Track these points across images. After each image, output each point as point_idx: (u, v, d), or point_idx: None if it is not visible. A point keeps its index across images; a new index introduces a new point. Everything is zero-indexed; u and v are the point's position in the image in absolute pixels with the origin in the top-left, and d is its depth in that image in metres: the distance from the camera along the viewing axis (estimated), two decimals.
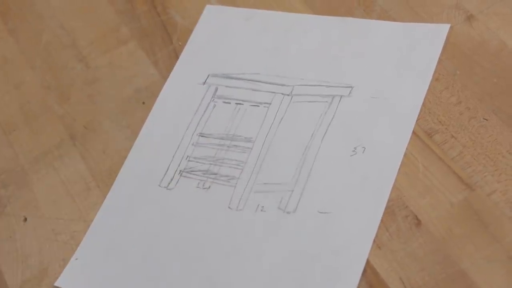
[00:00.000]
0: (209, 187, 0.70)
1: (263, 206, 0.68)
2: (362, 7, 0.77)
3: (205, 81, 0.77)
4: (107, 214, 0.72)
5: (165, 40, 0.82)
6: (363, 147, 0.68)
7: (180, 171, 0.72)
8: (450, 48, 0.72)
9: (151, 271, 0.67)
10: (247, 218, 0.68)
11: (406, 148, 0.67)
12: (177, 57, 0.80)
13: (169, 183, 0.72)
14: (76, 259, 0.70)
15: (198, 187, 0.71)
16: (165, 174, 0.72)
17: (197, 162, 0.72)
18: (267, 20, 0.80)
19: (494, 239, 0.61)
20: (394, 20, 0.75)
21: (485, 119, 0.68)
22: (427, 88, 0.70)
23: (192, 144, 0.74)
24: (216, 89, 0.76)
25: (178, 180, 0.72)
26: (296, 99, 0.73)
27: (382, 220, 0.64)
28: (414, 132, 0.68)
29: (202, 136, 0.74)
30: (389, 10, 0.76)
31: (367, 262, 0.62)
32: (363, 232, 0.64)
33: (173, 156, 0.73)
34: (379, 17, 0.76)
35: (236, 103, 0.75)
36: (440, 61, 0.71)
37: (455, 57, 0.71)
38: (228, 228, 0.67)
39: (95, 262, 0.69)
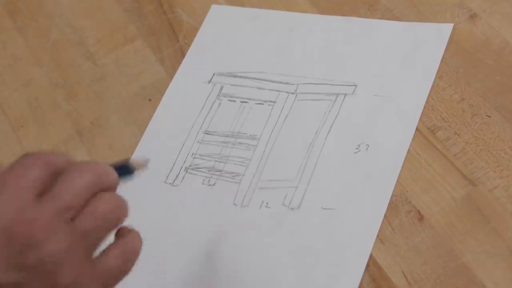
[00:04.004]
0: (214, 183, 0.71)
1: (267, 203, 0.68)
2: (367, 5, 0.78)
3: (210, 80, 0.78)
4: None
5: (171, 38, 0.82)
6: (367, 145, 0.69)
7: (186, 167, 0.72)
8: (453, 46, 0.72)
9: (156, 267, 0.67)
10: (252, 215, 0.68)
11: (410, 145, 0.67)
12: (183, 55, 0.80)
13: (174, 180, 0.72)
14: None
15: (203, 183, 0.71)
16: (171, 170, 0.73)
17: (202, 159, 0.73)
18: (272, 20, 0.80)
19: (496, 234, 0.62)
20: (398, 18, 0.76)
21: (487, 116, 0.68)
22: (430, 86, 0.70)
23: (198, 142, 0.74)
24: (222, 88, 0.77)
25: (183, 177, 0.72)
26: (301, 97, 0.74)
27: (385, 215, 0.64)
28: (417, 129, 0.68)
29: (207, 133, 0.74)
30: (393, 9, 0.77)
31: (370, 256, 0.63)
32: (366, 228, 0.64)
33: (179, 153, 0.73)
34: (383, 16, 0.77)
35: (241, 101, 0.75)
36: (443, 59, 0.72)
37: (458, 55, 0.72)
38: (233, 224, 0.67)
39: None
